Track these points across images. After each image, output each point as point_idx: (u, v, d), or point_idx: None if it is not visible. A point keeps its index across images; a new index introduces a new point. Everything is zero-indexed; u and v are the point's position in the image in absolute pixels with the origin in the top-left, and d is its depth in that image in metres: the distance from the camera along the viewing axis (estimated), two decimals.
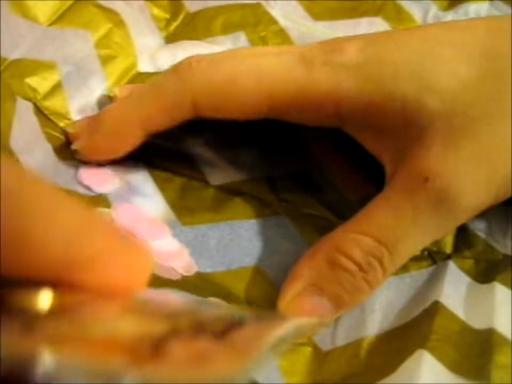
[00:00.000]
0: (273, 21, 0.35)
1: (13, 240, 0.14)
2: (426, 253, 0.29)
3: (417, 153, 0.24)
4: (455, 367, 0.25)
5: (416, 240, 0.26)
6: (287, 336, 0.14)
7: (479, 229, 0.29)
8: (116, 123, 0.28)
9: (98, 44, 0.32)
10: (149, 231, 0.27)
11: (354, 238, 0.25)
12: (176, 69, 0.27)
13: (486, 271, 0.28)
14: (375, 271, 0.25)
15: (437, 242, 0.29)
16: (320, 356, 0.26)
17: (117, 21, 0.32)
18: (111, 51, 0.32)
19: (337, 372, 0.26)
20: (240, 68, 0.26)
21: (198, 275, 0.27)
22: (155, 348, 0.13)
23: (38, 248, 0.14)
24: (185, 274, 0.27)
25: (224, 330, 0.14)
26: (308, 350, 0.26)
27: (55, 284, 0.14)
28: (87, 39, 0.31)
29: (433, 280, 0.28)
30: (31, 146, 0.28)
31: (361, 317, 0.27)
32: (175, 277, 0.27)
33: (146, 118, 0.27)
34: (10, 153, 0.27)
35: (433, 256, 0.29)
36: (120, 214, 0.28)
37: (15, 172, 0.14)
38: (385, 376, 0.25)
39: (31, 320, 0.13)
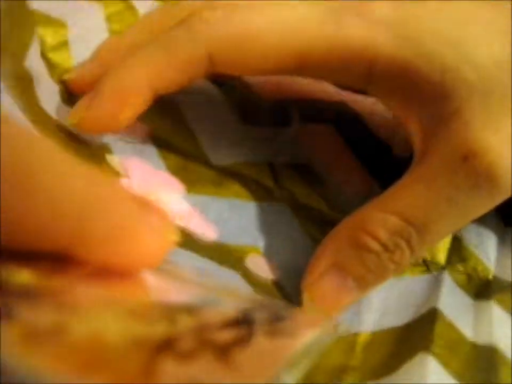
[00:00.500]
0: None
1: (18, 208, 0.12)
2: (420, 259, 0.28)
3: (455, 130, 0.23)
4: (459, 377, 0.24)
5: (450, 221, 0.24)
6: (303, 354, 0.12)
7: (473, 244, 0.29)
8: (121, 82, 0.24)
9: (109, 18, 0.31)
10: (162, 185, 0.26)
11: (381, 217, 0.24)
12: (187, 21, 0.24)
13: (481, 291, 0.28)
14: (402, 252, 0.24)
15: (430, 252, 0.29)
16: None
17: (129, 5, 0.32)
18: (121, 25, 0.31)
19: (333, 361, 0.24)
20: (259, 20, 0.23)
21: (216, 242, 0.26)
22: (146, 363, 0.11)
23: (46, 219, 0.13)
24: (206, 238, 0.26)
25: (228, 346, 0.12)
26: None
27: (57, 258, 0.13)
28: (99, 10, 0.31)
29: (430, 287, 0.27)
30: (40, 77, 0.27)
31: (358, 313, 0.26)
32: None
33: (156, 76, 0.24)
34: (25, 72, 0.25)
35: (427, 264, 0.28)
36: (131, 167, 0.26)
37: (27, 136, 0.13)
38: (385, 375, 0.24)
39: (9, 302, 0.12)
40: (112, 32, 0.31)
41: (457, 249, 0.29)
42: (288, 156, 0.30)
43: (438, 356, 0.24)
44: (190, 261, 0.24)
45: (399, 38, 0.23)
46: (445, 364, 0.24)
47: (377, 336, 0.25)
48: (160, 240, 0.14)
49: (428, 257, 0.29)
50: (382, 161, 0.31)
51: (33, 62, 0.26)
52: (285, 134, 0.30)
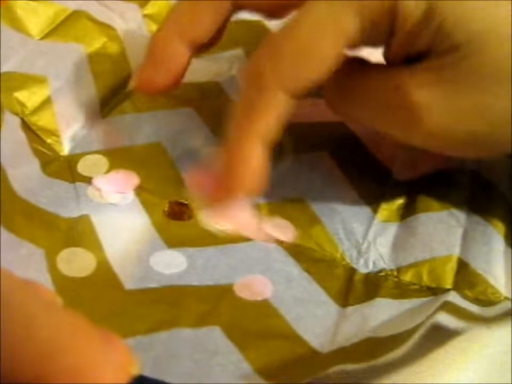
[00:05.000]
0: None
1: None
2: (425, 287, 0.27)
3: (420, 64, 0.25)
4: None
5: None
6: None
7: (482, 268, 0.28)
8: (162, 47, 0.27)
9: (92, 59, 0.31)
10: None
11: None
12: (250, 84, 0.25)
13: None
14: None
15: (436, 278, 0.27)
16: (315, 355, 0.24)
17: (112, 35, 0.32)
18: (104, 66, 0.31)
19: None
20: (298, 37, 0.25)
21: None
22: None
23: (7, 362, 0.14)
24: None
25: None
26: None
27: None
28: (80, 53, 0.31)
29: (434, 302, 0.26)
30: (18, 160, 0.28)
31: (363, 326, 0.25)
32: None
33: (261, 132, 0.26)
34: None
35: (433, 291, 0.27)
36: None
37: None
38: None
39: None
40: (95, 74, 0.30)
41: (465, 274, 0.27)
42: (281, 192, 0.29)
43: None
44: None
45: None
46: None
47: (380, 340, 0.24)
48: (120, 376, 0.16)
49: (434, 284, 0.28)
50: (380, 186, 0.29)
51: (5, 149, 0.27)
52: (278, 169, 0.30)
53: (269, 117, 0.25)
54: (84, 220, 0.26)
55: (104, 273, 0.25)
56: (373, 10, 0.24)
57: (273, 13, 0.28)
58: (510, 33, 0.23)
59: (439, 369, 0.23)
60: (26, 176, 0.27)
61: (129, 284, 0.25)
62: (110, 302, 0.24)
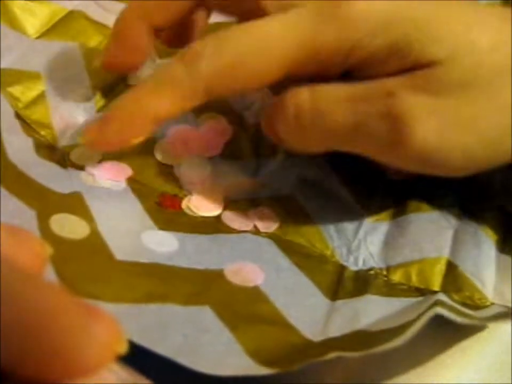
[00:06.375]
0: None
1: None
2: (413, 288, 0.27)
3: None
4: None
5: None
6: None
7: (470, 271, 0.27)
8: (128, 118, 0.27)
9: (88, 56, 0.31)
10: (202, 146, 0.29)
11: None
12: (182, 57, 0.25)
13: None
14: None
15: (424, 280, 0.27)
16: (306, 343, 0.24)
17: (108, 34, 0.32)
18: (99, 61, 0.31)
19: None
20: (246, 44, 0.25)
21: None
22: None
23: None
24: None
25: None
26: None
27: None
28: (76, 50, 0.31)
29: (423, 302, 0.26)
30: (11, 136, 0.27)
31: (354, 319, 0.25)
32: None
33: (159, 111, 0.26)
34: None
35: (421, 292, 0.27)
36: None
37: None
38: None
39: None
40: (91, 71, 0.31)
41: (453, 277, 0.27)
42: (272, 189, 0.29)
43: None
44: None
45: (371, 33, 0.24)
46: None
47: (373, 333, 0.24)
48: (105, 355, 0.15)
49: (422, 285, 0.28)
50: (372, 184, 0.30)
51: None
52: (268, 166, 0.30)
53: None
54: (76, 196, 0.26)
55: (96, 242, 0.24)
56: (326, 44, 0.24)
57: (242, 16, 0.28)
58: (485, 45, 0.24)
59: (440, 369, 0.23)
60: (19, 148, 0.27)
61: (120, 255, 0.24)
62: (99, 267, 0.23)
